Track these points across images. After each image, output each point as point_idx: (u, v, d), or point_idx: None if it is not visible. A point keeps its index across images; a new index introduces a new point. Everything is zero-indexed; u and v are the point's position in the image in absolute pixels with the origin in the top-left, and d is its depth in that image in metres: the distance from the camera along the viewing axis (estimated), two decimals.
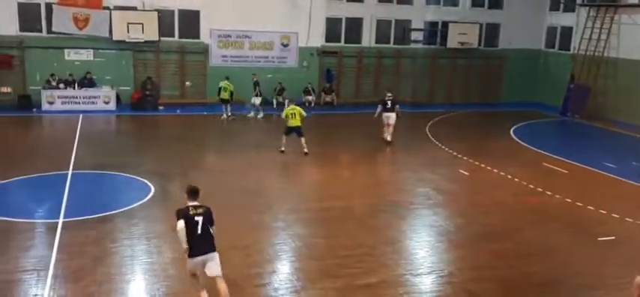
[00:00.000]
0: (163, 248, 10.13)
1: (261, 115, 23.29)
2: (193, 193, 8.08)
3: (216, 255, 7.99)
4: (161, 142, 19.12)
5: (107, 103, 23.55)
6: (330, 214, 12.41)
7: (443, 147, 19.30)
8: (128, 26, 23.59)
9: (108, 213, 11.55)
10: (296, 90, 26.33)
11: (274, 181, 14.89)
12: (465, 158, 17.72)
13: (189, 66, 25.43)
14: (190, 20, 25.21)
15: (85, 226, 10.86)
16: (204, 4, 25.02)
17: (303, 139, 17.43)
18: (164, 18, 24.54)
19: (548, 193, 14.42)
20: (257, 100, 23.18)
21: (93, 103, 23.34)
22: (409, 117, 25.05)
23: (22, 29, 23.09)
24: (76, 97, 23.16)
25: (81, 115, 21.76)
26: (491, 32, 29.73)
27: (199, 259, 7.90)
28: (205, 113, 23.86)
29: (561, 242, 11.34)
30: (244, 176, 15.03)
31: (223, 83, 22.68)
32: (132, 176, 14.27)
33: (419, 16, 28.40)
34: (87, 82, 23.58)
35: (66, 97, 22.99)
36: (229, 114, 22.80)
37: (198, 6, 25.07)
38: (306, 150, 17.34)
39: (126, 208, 11.92)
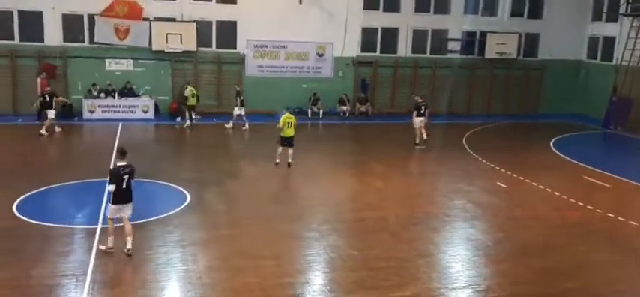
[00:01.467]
0: (198, 256, 10.20)
1: (246, 126, 22.74)
2: (122, 154, 10.31)
3: (131, 205, 10.24)
4: (197, 151, 19.33)
5: (146, 112, 24.02)
6: (365, 225, 12.30)
7: (480, 159, 18.97)
8: (167, 37, 24.05)
9: (145, 220, 11.70)
10: (331, 100, 26.38)
11: (308, 191, 14.85)
12: (503, 170, 17.37)
13: (226, 76, 25.72)
14: (227, 31, 25.53)
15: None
16: (241, 15, 25.31)
17: (291, 151, 16.72)
18: (202, 29, 24.92)
19: (590, 207, 14.00)
20: (241, 111, 22.89)
21: (132, 112, 23.83)
22: (445, 128, 24.78)
23: (65, 40, 23.78)
24: (116, 106, 23.69)
25: (120, 124, 22.22)
26: (530, 42, 29.20)
27: (120, 206, 10.07)
28: (240, 122, 24.03)
29: (602, 259, 10.97)
30: (278, 185, 15.08)
31: (189, 89, 22.57)
32: (168, 184, 14.46)
33: (456, 26, 28.09)
34: (127, 92, 24.12)
35: (106, 106, 23.54)
36: (192, 120, 22.62)
37: (235, 17, 25.37)
38: (290, 160, 16.71)
39: (162, 216, 12.07)
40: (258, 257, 10.21)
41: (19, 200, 12.37)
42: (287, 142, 16.67)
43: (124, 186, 10.01)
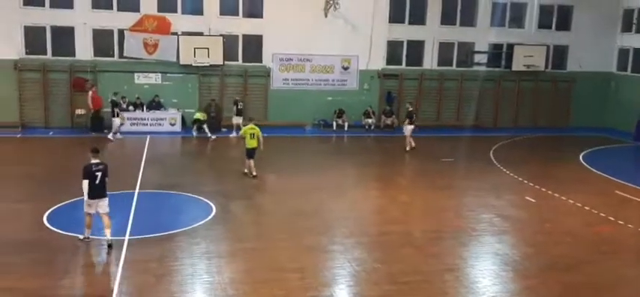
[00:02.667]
0: (223, 268, 10.25)
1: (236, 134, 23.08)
2: (95, 151, 11.25)
3: (106, 199, 11.01)
4: (224, 163, 19.47)
5: (173, 125, 24.34)
6: (389, 238, 12.22)
7: (508, 172, 18.72)
8: (194, 51, 24.37)
9: (171, 232, 11.82)
10: (356, 113, 26.36)
11: (333, 204, 14.82)
12: (531, 184, 17.10)
13: (252, 89, 25.92)
14: (253, 45, 25.78)
15: (149, 244, 11.15)
16: (267, 29, 25.54)
17: (252, 162, 16.80)
18: (229, 43, 25.20)
19: (621, 222, 13.67)
20: (239, 120, 23.06)
21: (160, 125, 24.17)
22: (472, 141, 24.55)
23: (96, 54, 24.29)
24: (144, 119, 24.06)
25: (148, 137, 22.55)
26: (558, 54, 28.80)
27: (95, 200, 10.85)
28: (266, 135, 24.14)
29: (634, 275, 10.72)
30: (303, 198, 15.07)
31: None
32: (195, 196, 14.59)
33: (483, 38, 27.89)
34: (155, 105, 24.48)
35: (135, 118, 23.91)
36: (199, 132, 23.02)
37: (261, 31, 25.60)
38: (254, 173, 16.77)
39: (188, 228, 12.17)
40: (283, 270, 10.21)
41: (49, 211, 12.62)
42: (248, 153, 16.83)
43: (98, 182, 10.87)
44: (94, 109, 23.06)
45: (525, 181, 17.43)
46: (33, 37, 23.71)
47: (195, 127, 23.05)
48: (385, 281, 10.01)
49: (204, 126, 23.17)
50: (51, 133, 22.90)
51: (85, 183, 10.78)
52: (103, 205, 10.98)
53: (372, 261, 10.91)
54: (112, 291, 9.14)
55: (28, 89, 23.61)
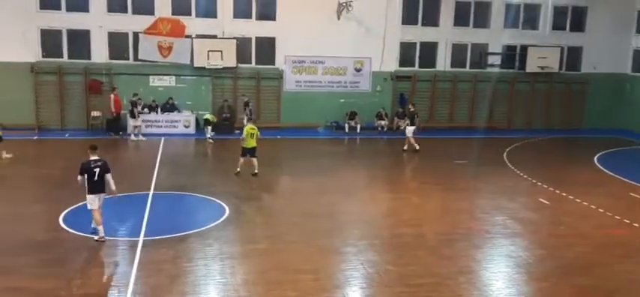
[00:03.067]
0: (236, 269, 10.31)
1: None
2: (94, 148, 11.47)
3: (103, 195, 11.37)
4: (236, 165, 19.56)
5: (187, 127, 24.52)
6: (402, 240, 12.21)
7: (522, 174, 18.62)
8: (208, 54, 24.53)
9: (184, 233, 11.92)
10: (369, 115, 26.36)
11: (345, 206, 14.84)
12: (545, 186, 17.00)
13: (264, 91, 26.04)
14: (266, 47, 25.89)
15: (163, 245, 11.25)
16: (280, 32, 25.64)
17: (255, 160, 17.19)
18: (242, 45, 25.34)
19: (636, 225, 13.55)
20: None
21: (174, 126, 24.36)
22: (486, 142, 24.43)
23: (111, 57, 24.55)
24: (159, 121, 24.27)
25: (162, 139, 22.74)
26: (573, 56, 28.58)
27: (95, 195, 11.22)
28: (279, 137, 24.28)
29: None
30: (315, 200, 15.11)
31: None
32: (208, 197, 14.69)
33: (496, 39, 27.77)
34: (169, 107, 24.68)
35: (149, 121, 24.12)
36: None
37: (274, 33, 25.71)
38: (256, 171, 17.12)
39: (201, 229, 12.26)
40: (296, 272, 10.25)
41: (65, 212, 12.78)
42: (249, 152, 17.12)
43: (96, 178, 11.21)
44: (116, 111, 23.37)
45: (539, 183, 17.33)
46: (49, 40, 24.02)
47: (209, 129, 23.12)
48: (398, 284, 10.01)
49: (208, 128, 23.21)
50: (67, 134, 23.18)
51: (80, 178, 11.20)
52: (102, 200, 11.46)
53: (384, 263, 10.91)
54: (127, 291, 9.23)
55: (45, 92, 23.93)
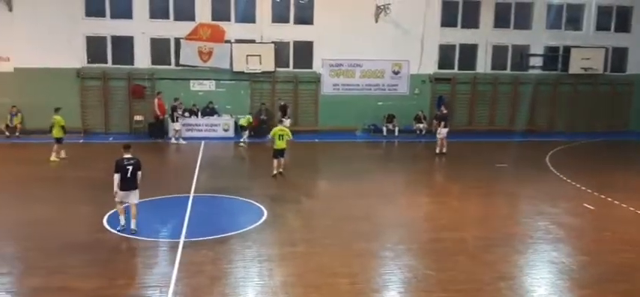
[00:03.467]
0: (275, 271, 10.38)
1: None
2: (127, 147, 12.05)
3: (136, 192, 11.95)
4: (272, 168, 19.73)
5: (226, 130, 24.87)
6: (441, 245, 12.07)
7: (565, 178, 18.18)
8: (247, 58, 24.86)
9: (224, 235, 12.06)
10: (407, 117, 26.20)
11: (383, 210, 14.77)
12: (589, 191, 16.55)
13: (302, 95, 26.18)
14: (304, 51, 26.05)
15: (203, 246, 11.41)
16: (317, 35, 25.76)
17: (283, 161, 17.71)
18: (280, 49, 25.56)
19: None
20: (287, 122, 23.25)
21: (214, 130, 24.76)
22: (527, 146, 23.98)
23: (153, 62, 25.12)
24: (199, 125, 24.71)
25: (203, 142, 23.11)
26: (618, 57, 27.78)
27: (125, 192, 11.75)
28: (317, 140, 24.36)
29: None
30: (353, 203, 15.08)
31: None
32: (247, 200, 14.85)
33: (538, 41, 27.27)
34: (209, 111, 25.08)
35: (190, 124, 24.56)
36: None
37: (312, 37, 25.84)
38: (281, 169, 17.61)
39: (241, 231, 12.39)
40: (334, 275, 10.25)
41: (108, 214, 13.10)
42: (279, 153, 17.53)
43: (129, 175, 11.70)
44: (161, 115, 23.92)
45: (583, 188, 16.88)
46: (94, 46, 24.77)
47: (245, 134, 23.35)
48: (437, 289, 9.89)
49: (245, 132, 23.41)
50: (111, 138, 23.80)
51: (116, 176, 11.68)
52: (133, 197, 11.94)
53: (423, 268, 10.80)
54: (168, 292, 9.39)
55: (90, 96, 24.67)
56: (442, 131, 21.72)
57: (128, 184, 11.80)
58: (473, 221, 14.00)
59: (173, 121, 23.48)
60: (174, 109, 23.53)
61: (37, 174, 17.81)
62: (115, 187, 11.77)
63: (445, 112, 22.40)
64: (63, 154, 19.59)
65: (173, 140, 23.33)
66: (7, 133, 23.74)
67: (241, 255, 11.13)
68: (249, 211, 14.02)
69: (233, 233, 12.22)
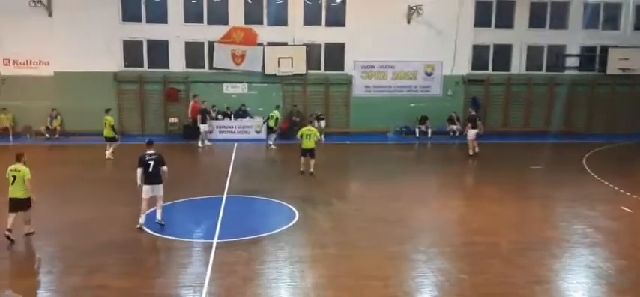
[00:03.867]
0: (306, 273, 10.43)
1: (323, 140, 23.52)
2: (150, 144, 12.57)
3: (160, 186, 12.35)
4: (306, 170, 19.80)
5: (258, 132, 25.10)
6: (475, 248, 11.94)
7: (602, 181, 17.77)
8: (279, 61, 25.03)
9: (256, 236, 12.18)
10: (440, 119, 25.98)
11: (416, 212, 14.69)
12: (628, 194, 16.14)
13: (333, 97, 26.21)
14: (336, 53, 26.10)
15: (237, 247, 11.55)
16: (349, 37, 25.77)
17: (313, 162, 18.00)
18: (311, 52, 25.65)
19: None
20: (322, 124, 23.31)
21: (246, 132, 25.02)
22: (563, 148, 23.53)
23: (187, 65, 25.52)
24: (232, 127, 25.01)
25: (235, 144, 23.37)
26: None
27: (149, 186, 12.20)
28: (348, 142, 24.36)
29: None
30: (385, 205, 15.03)
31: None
32: (279, 202, 14.95)
33: (574, 41, 26.73)
34: (241, 114, 25.35)
35: (223, 127, 24.89)
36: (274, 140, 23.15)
37: (343, 39, 25.87)
38: (311, 170, 17.95)
39: (273, 232, 12.49)
40: (366, 277, 10.24)
41: (144, 215, 13.36)
42: (308, 153, 18.03)
43: (151, 170, 12.16)
44: (193, 117, 24.28)
45: (621, 191, 16.47)
46: (131, 50, 25.30)
47: (273, 137, 23.47)
48: (470, 292, 9.80)
49: (272, 135, 23.55)
50: (147, 140, 24.20)
51: (139, 171, 12.18)
52: (158, 191, 12.40)
53: (456, 271, 10.70)
54: (202, 291, 9.54)
55: (127, 99, 25.21)
56: (470, 133, 21.44)
57: (151, 179, 12.25)
58: (507, 224, 13.81)
59: (202, 123, 23.64)
60: (203, 112, 23.74)
61: (76, 175, 18.31)
62: (139, 181, 12.23)
63: (473, 113, 22.08)
64: (108, 153, 20.39)
65: (199, 143, 23.47)
66: (47, 135, 24.45)
67: (273, 256, 11.21)
68: (281, 212, 14.12)
69: (265, 234, 12.33)
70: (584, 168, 19.73)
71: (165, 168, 12.40)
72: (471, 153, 21.42)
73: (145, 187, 12.28)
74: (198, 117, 23.65)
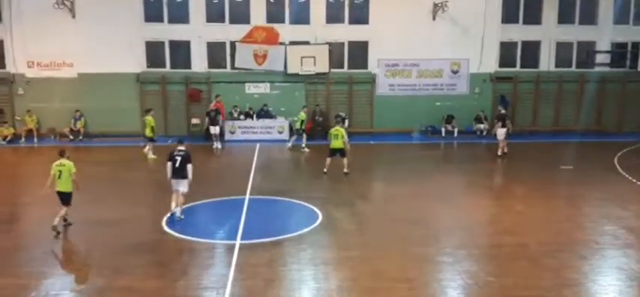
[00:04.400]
0: (330, 275, 10.24)
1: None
2: (180, 142, 13.17)
3: (185, 181, 12.91)
4: (329, 170, 19.60)
5: (281, 132, 24.99)
6: (503, 250, 11.61)
7: (635, 181, 17.23)
8: (301, 60, 24.89)
9: (279, 237, 12.04)
10: (467, 118, 25.55)
11: (441, 213, 14.38)
12: None
13: (357, 96, 25.97)
14: (359, 51, 25.86)
15: (259, 248, 11.42)
16: (373, 35, 25.51)
17: (345, 160, 17.93)
18: (334, 50, 25.46)
19: None
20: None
21: (268, 133, 24.93)
22: (594, 147, 22.96)
23: (210, 66, 25.55)
24: (254, 128, 24.96)
25: (258, 144, 23.28)
26: None
27: (174, 180, 12.89)
28: (372, 142, 24.10)
29: None
30: (410, 206, 14.77)
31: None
32: (301, 203, 14.79)
33: (605, 36, 26.04)
34: (264, 114, 25.27)
35: (246, 127, 24.84)
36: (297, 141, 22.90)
37: (367, 37, 25.61)
38: (346, 170, 17.81)
39: (295, 234, 12.33)
40: (391, 279, 10.02)
41: (167, 216, 13.33)
42: (338, 152, 17.97)
43: (178, 165, 12.77)
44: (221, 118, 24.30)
45: None
46: (153, 51, 25.43)
47: (301, 138, 23.30)
48: (498, 295, 9.50)
49: (294, 136, 23.41)
50: (169, 141, 24.29)
51: (168, 164, 12.86)
52: (181, 185, 12.93)
53: (484, 274, 10.40)
54: (225, 293, 9.42)
55: (149, 100, 25.31)
56: (500, 132, 21.03)
57: (177, 174, 12.87)
58: (536, 225, 13.42)
59: (212, 125, 23.41)
60: (211, 113, 23.50)
61: (100, 176, 18.40)
62: (168, 174, 12.89)
63: (502, 112, 21.65)
64: (148, 151, 20.70)
65: (214, 145, 23.31)
66: (71, 137, 24.71)
67: (296, 258, 11.06)
68: (303, 213, 13.96)
69: (288, 236, 12.18)
70: (616, 167, 19.18)
71: (190, 165, 12.88)
72: (499, 153, 20.96)
73: (172, 180, 12.96)
74: (207, 119, 23.50)
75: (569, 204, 15.24)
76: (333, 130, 18.15)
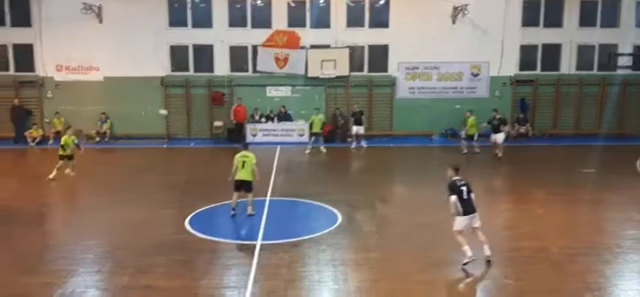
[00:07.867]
0: (349, 276, 10.37)
1: (364, 144, 23.41)
2: (456, 169, 11.20)
3: (477, 214, 10.88)
4: (349, 173, 19.79)
5: (301, 135, 25.19)
6: (522, 254, 11.62)
7: None
8: (322, 63, 25.06)
9: (299, 238, 12.20)
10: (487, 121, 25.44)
11: None
12: None
13: (377, 99, 26.06)
14: (379, 54, 25.96)
15: (279, 249, 11.59)
16: (393, 39, 25.58)
17: (250, 197, 13.64)
18: (354, 54, 25.59)
19: None
20: (360, 130, 22.82)
21: (289, 135, 25.16)
22: (616, 150, 22.70)
23: (232, 69, 25.88)
24: (275, 130, 25.21)
25: (278, 147, 23.51)
26: None
27: (468, 217, 10.72)
28: (391, 145, 24.15)
29: None
30: (429, 209, 14.79)
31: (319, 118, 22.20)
32: (321, 204, 14.94)
33: (627, 39, 25.74)
34: (284, 116, 25.50)
35: (267, 130, 25.11)
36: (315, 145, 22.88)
37: (387, 40, 25.70)
38: (250, 211, 13.67)
39: (315, 235, 12.47)
40: (410, 282, 10.11)
41: (190, 216, 13.59)
42: (243, 186, 13.55)
43: (465, 197, 10.78)
44: (238, 121, 24.59)
45: None
46: (177, 55, 25.84)
47: (321, 140, 23.45)
48: None
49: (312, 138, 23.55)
50: (192, 143, 24.71)
51: (453, 198, 10.78)
52: (475, 221, 11.01)
53: (503, 277, 10.44)
54: (245, 293, 9.61)
55: (173, 103, 25.76)
56: (499, 136, 21.30)
57: (467, 208, 10.92)
58: (556, 229, 13.39)
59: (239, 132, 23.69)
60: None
61: (125, 177, 18.80)
62: (451, 210, 10.92)
63: (499, 116, 21.93)
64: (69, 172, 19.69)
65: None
66: (97, 139, 25.22)
67: (316, 259, 11.20)
68: (323, 215, 14.10)
69: (308, 237, 12.33)
70: (638, 171, 18.95)
71: (472, 194, 11.02)
72: (499, 155, 21.11)
73: (463, 218, 10.86)
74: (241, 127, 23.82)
75: (591, 208, 15.13)
76: (239, 157, 13.53)
